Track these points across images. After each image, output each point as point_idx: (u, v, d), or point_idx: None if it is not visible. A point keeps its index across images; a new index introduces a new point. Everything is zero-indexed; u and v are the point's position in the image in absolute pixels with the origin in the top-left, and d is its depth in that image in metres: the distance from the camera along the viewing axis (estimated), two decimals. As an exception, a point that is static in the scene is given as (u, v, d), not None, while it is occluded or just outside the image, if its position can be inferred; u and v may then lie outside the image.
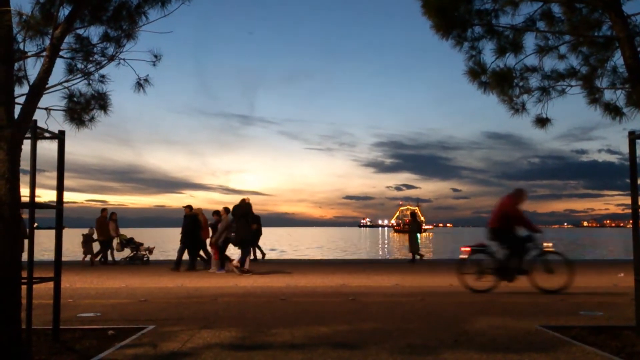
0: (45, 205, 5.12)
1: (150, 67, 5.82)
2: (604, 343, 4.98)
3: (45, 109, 5.25)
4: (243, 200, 13.08)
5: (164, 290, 9.53)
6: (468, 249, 9.56)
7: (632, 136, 5.10)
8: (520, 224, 9.03)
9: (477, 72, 6.13)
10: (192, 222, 14.23)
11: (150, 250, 16.73)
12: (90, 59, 5.82)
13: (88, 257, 16.26)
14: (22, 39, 4.95)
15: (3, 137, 4.16)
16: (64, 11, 4.81)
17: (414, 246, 17.22)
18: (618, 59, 6.01)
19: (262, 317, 6.57)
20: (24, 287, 4.33)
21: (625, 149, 5.21)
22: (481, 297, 8.46)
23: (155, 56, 5.77)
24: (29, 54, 5.17)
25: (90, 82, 5.79)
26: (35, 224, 4.73)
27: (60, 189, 5.05)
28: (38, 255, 14.75)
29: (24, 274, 4.39)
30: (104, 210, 16.31)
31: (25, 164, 4.31)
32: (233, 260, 12.79)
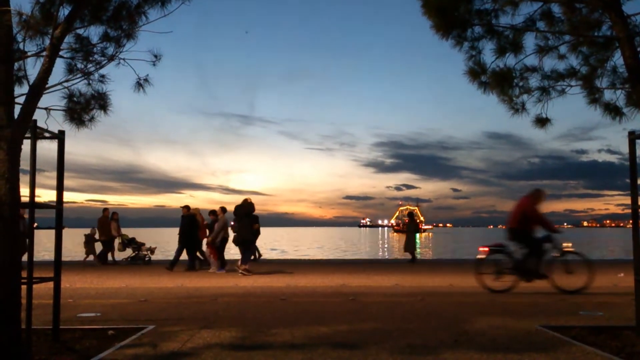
0: (45, 205, 5.12)
1: (150, 67, 5.82)
2: (604, 343, 4.97)
3: (45, 108, 5.25)
4: (245, 200, 13.07)
5: (164, 290, 9.53)
6: (486, 249, 9.53)
7: (632, 136, 5.10)
8: (539, 224, 8.98)
9: (477, 72, 6.13)
10: (189, 222, 14.23)
11: (152, 251, 16.73)
12: (90, 58, 5.81)
13: (90, 257, 16.25)
14: (22, 38, 4.95)
15: (3, 137, 4.16)
16: (64, 11, 4.81)
17: (410, 246, 17.21)
18: (618, 59, 6.01)
19: (262, 317, 6.57)
20: (23, 287, 4.33)
21: (625, 149, 5.22)
22: (481, 297, 8.46)
23: (155, 56, 5.77)
24: (29, 53, 5.17)
25: (90, 82, 5.79)
26: (35, 224, 4.73)
27: (60, 188, 5.05)
28: (39, 256, 14.76)
29: (24, 274, 4.40)
30: (105, 210, 16.31)
31: (25, 163, 4.31)
32: (241, 266, 12.69)
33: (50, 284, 5.00)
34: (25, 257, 4.58)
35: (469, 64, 6.15)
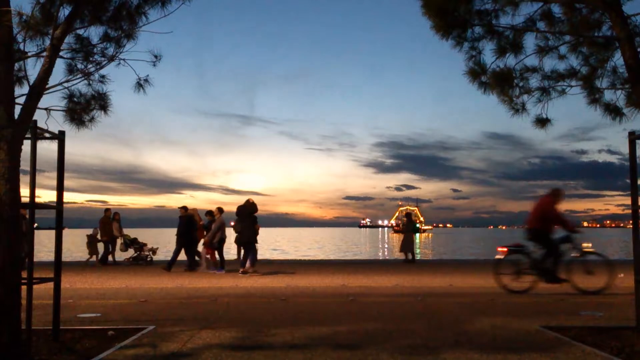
0: (45, 206, 5.13)
1: (150, 67, 5.82)
2: (604, 343, 4.97)
3: (46, 109, 5.25)
4: (247, 201, 13.06)
5: (164, 290, 9.53)
6: (505, 249, 9.49)
7: (632, 136, 5.11)
8: (559, 224, 8.95)
9: (477, 73, 6.13)
10: (187, 223, 14.22)
11: (154, 251, 16.73)
12: (91, 59, 5.82)
13: (93, 258, 16.26)
14: (22, 39, 4.95)
15: (3, 137, 4.16)
16: (64, 11, 4.81)
17: (408, 246, 17.20)
18: (618, 59, 6.01)
19: (262, 317, 6.57)
20: (23, 287, 4.33)
21: (625, 149, 5.22)
22: (481, 297, 8.46)
23: (155, 56, 5.77)
24: (29, 54, 5.18)
25: (91, 82, 5.80)
26: (35, 224, 4.73)
27: (60, 189, 5.05)
28: (39, 256, 14.77)
29: (24, 274, 4.40)
30: (107, 210, 16.32)
31: (25, 164, 4.31)
32: (249, 269, 12.68)
33: (51, 285, 5.00)
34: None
35: (469, 64, 6.15)
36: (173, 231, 14.95)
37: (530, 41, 6.16)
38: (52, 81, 4.75)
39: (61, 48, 4.74)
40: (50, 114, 5.30)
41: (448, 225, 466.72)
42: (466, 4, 5.69)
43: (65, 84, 5.57)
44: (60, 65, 5.82)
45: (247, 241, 12.73)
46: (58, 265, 5.07)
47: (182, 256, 14.21)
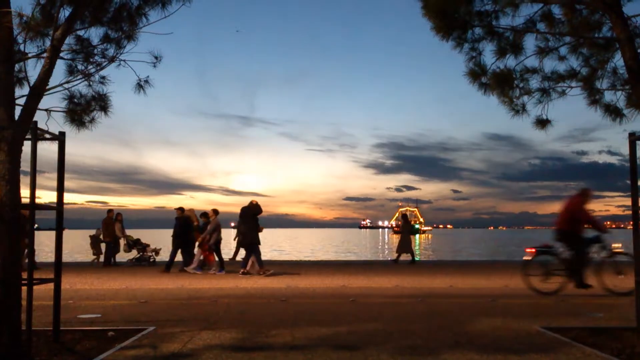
0: (45, 207, 5.13)
1: (151, 68, 5.82)
2: (604, 344, 4.97)
3: (46, 110, 5.25)
4: (251, 202, 13.04)
5: (164, 291, 9.52)
6: (533, 250, 9.44)
7: (633, 137, 5.10)
8: (588, 224, 8.89)
9: (477, 74, 6.13)
10: (183, 224, 14.21)
11: (157, 252, 16.74)
12: (91, 60, 5.82)
13: (100, 259, 16.28)
14: (22, 40, 4.95)
15: (3, 138, 4.17)
16: (65, 12, 4.81)
17: (403, 247, 17.19)
18: (618, 60, 6.01)
19: (262, 318, 6.57)
20: (24, 288, 4.33)
21: (625, 150, 5.22)
22: (481, 298, 8.46)
23: (156, 57, 5.77)
24: (30, 55, 5.18)
25: (91, 83, 5.80)
26: (36, 225, 4.73)
27: (60, 190, 5.05)
28: (44, 257, 14.77)
29: (24, 274, 4.40)
30: (110, 211, 16.33)
31: (25, 165, 4.31)
32: (260, 269, 12.67)
33: (51, 285, 5.00)
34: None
35: (469, 65, 6.16)
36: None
37: (530, 42, 6.16)
38: (52, 82, 4.75)
39: (61, 49, 4.75)
40: (50, 115, 5.30)
41: (448, 226, 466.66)
42: (466, 5, 5.69)
43: (66, 85, 5.57)
44: (60, 66, 5.82)
45: (250, 242, 12.72)
46: (58, 266, 5.08)
47: (180, 257, 14.21)
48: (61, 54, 4.91)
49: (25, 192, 4.30)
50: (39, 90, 4.49)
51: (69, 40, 5.51)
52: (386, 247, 44.94)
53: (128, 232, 16.67)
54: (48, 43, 4.82)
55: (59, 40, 4.59)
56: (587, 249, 8.94)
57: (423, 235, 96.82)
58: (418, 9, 5.62)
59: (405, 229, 17.99)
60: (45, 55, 4.66)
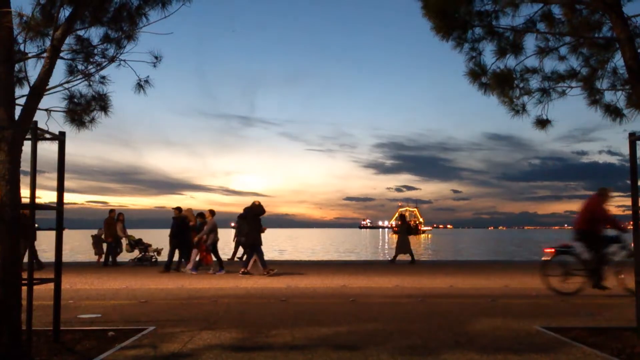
0: (45, 207, 5.13)
1: (151, 68, 5.82)
2: (604, 344, 4.98)
3: (46, 110, 5.25)
4: (254, 203, 13.03)
5: (165, 291, 9.53)
6: (552, 250, 9.40)
7: (633, 137, 5.11)
8: (608, 224, 8.83)
9: (477, 74, 6.13)
10: (181, 224, 14.20)
11: (159, 252, 16.74)
12: (91, 60, 5.82)
13: (102, 258, 16.29)
14: (22, 40, 4.96)
15: (3, 138, 4.17)
16: (65, 12, 4.82)
17: (401, 248, 17.19)
18: (618, 60, 6.01)
19: (262, 318, 6.57)
20: (24, 288, 4.33)
21: (625, 150, 5.22)
22: (481, 298, 8.46)
23: (156, 57, 5.77)
24: (30, 55, 5.18)
25: (91, 83, 5.80)
26: (36, 225, 4.73)
27: (60, 190, 5.05)
28: (46, 257, 14.76)
29: (24, 274, 4.40)
30: (111, 211, 16.34)
31: (25, 165, 4.32)
32: (265, 269, 12.67)
33: (51, 285, 5.00)
34: (25, 258, 4.59)
35: (469, 65, 6.15)
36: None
37: (530, 42, 6.16)
38: (52, 82, 4.75)
39: (61, 49, 4.75)
40: (50, 114, 5.30)
41: (448, 226, 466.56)
42: (466, 5, 5.69)
43: (66, 85, 5.57)
44: (60, 66, 5.83)
45: (253, 243, 12.72)
46: (58, 266, 5.08)
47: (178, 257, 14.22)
48: (61, 54, 4.91)
49: (25, 192, 4.31)
50: (39, 90, 4.49)
51: (69, 40, 5.51)
52: (386, 246, 44.93)
53: (129, 232, 16.67)
54: (48, 43, 4.82)
55: (59, 40, 4.59)
56: (607, 248, 8.87)
57: (423, 235, 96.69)
58: (418, 9, 5.63)
59: (403, 230, 17.98)
60: (45, 55, 4.66)
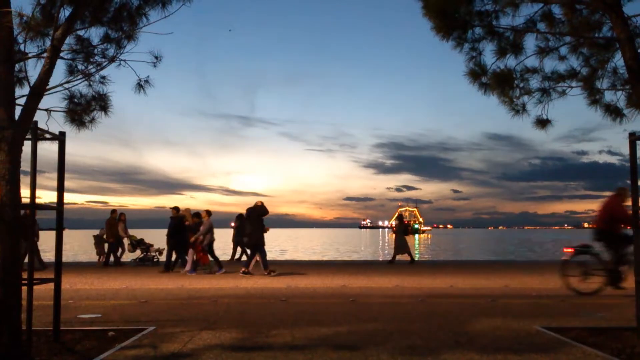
0: (45, 207, 5.13)
1: (151, 68, 5.82)
2: (604, 344, 4.98)
3: (46, 110, 5.25)
4: (257, 203, 13.01)
5: (165, 291, 9.53)
6: (571, 250, 9.35)
7: (633, 137, 5.11)
8: (626, 223, 8.76)
9: (477, 73, 6.13)
10: (179, 224, 14.19)
11: (161, 252, 16.75)
12: (91, 60, 5.82)
13: (103, 258, 16.30)
14: (22, 40, 4.96)
15: (3, 138, 4.17)
16: (65, 12, 4.81)
17: (400, 248, 17.18)
18: (618, 60, 6.01)
19: (262, 318, 6.57)
20: (24, 288, 4.33)
21: (625, 150, 5.22)
22: (481, 298, 8.46)
23: (156, 57, 5.77)
24: (30, 55, 5.18)
25: (91, 83, 5.80)
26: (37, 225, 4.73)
27: (60, 190, 5.05)
28: (45, 257, 14.76)
29: (24, 274, 4.40)
30: (113, 211, 16.35)
31: (25, 165, 4.32)
32: (265, 270, 12.68)
33: (51, 285, 5.00)
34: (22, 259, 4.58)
35: (469, 65, 6.15)
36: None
37: (530, 42, 6.16)
38: (52, 82, 4.75)
39: (62, 49, 4.75)
40: (50, 114, 5.30)
41: (448, 226, 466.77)
42: (466, 5, 5.69)
43: (66, 85, 5.57)
44: (60, 66, 5.83)
45: (256, 243, 12.72)
46: (58, 266, 5.08)
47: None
48: (61, 54, 4.91)
49: (25, 192, 4.31)
50: (39, 90, 4.49)
51: (69, 40, 5.51)
52: (386, 246, 44.93)
53: (130, 232, 16.68)
54: (48, 43, 4.82)
55: (59, 40, 4.59)
56: (626, 248, 8.82)
57: (423, 235, 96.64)
58: (418, 8, 5.62)
59: (400, 230, 17.98)
60: (45, 55, 4.66)
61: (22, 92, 4.80)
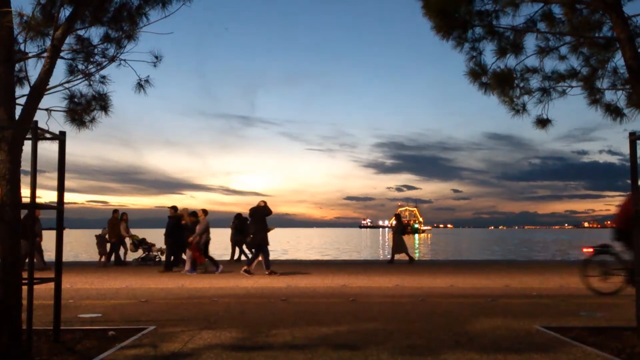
0: (46, 206, 5.13)
1: (151, 68, 5.83)
2: (604, 344, 4.98)
3: (46, 109, 5.26)
4: (260, 203, 13.00)
5: (165, 291, 9.53)
6: (591, 249, 9.31)
7: (633, 137, 5.11)
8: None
9: (477, 73, 6.13)
10: (176, 224, 14.19)
11: (162, 251, 16.76)
12: (91, 59, 5.82)
13: (105, 258, 16.32)
14: (23, 39, 4.96)
15: (4, 138, 4.17)
16: (65, 12, 4.82)
17: (398, 247, 17.17)
18: (619, 60, 6.01)
19: (262, 317, 6.57)
20: (24, 287, 4.33)
21: (625, 149, 5.22)
22: (481, 298, 8.46)
23: (156, 57, 5.78)
24: (30, 54, 5.18)
25: (91, 83, 5.80)
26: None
27: (61, 189, 5.05)
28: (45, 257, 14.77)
29: (25, 274, 4.40)
30: (115, 211, 16.36)
31: (25, 164, 4.32)
32: (267, 270, 12.69)
33: (51, 285, 5.00)
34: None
35: (469, 65, 6.15)
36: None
37: (530, 42, 6.16)
38: (52, 82, 4.76)
39: (62, 49, 4.75)
40: (51, 114, 5.31)
41: (449, 225, 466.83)
42: (467, 4, 5.69)
43: (66, 85, 5.58)
44: (61, 66, 5.83)
45: (259, 243, 12.72)
46: (59, 265, 5.08)
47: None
48: (61, 54, 4.91)
49: (25, 192, 4.31)
50: (39, 89, 4.49)
51: (69, 40, 5.52)
52: (386, 245, 44.94)
53: (131, 231, 16.69)
54: (48, 43, 4.82)
55: (60, 40, 4.60)
56: None
57: (423, 235, 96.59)
58: (418, 8, 5.62)
59: (398, 230, 17.96)
60: (45, 55, 4.66)
61: (22, 92, 4.81)
